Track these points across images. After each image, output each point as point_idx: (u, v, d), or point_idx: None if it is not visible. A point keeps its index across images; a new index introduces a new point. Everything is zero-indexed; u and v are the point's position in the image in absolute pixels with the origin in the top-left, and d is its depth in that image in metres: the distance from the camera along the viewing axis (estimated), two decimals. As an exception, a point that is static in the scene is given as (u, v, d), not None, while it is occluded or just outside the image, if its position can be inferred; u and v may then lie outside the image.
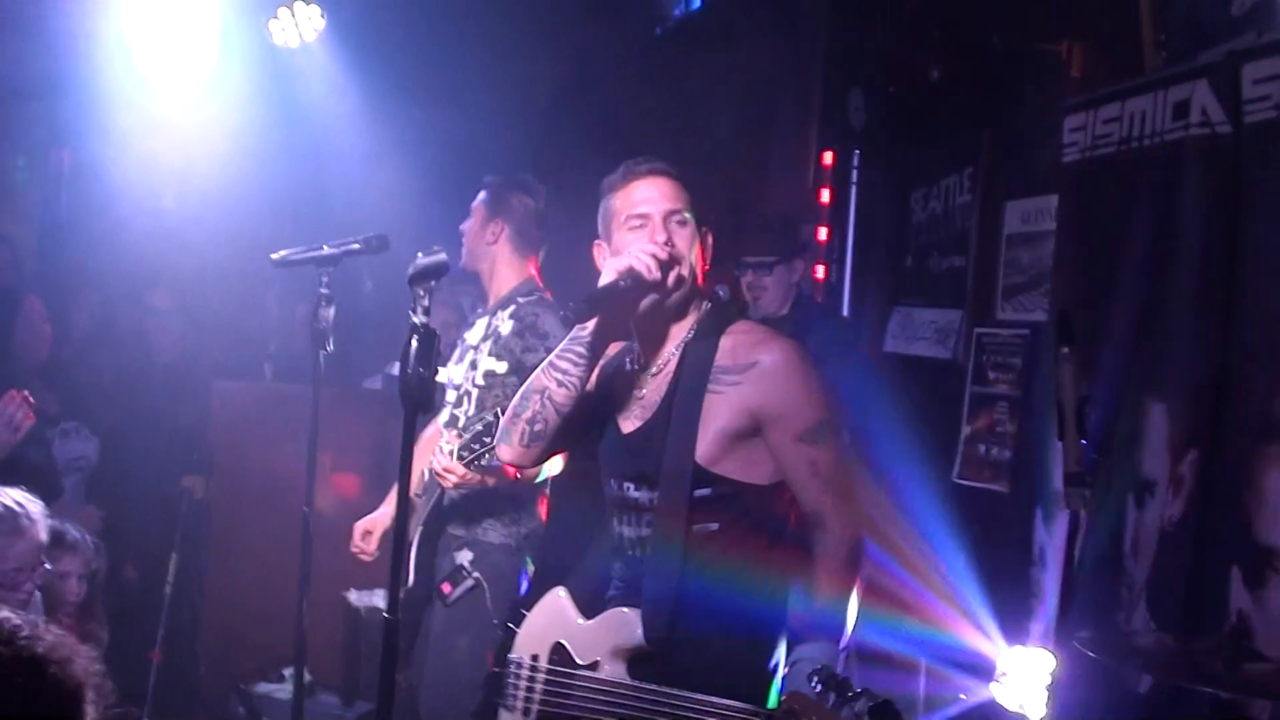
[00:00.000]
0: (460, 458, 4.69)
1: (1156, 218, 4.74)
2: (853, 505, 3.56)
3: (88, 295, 8.20)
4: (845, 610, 3.48)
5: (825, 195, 7.84)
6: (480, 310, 5.55)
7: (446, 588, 5.06)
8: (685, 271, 3.61)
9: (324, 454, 5.07)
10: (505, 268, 5.41)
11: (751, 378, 3.55)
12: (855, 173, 7.68)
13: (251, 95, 8.28)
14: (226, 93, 8.19)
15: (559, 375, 3.65)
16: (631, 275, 3.49)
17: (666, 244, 3.58)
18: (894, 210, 7.27)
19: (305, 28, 8.30)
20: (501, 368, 5.18)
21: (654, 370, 3.72)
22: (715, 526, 3.59)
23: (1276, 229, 4.21)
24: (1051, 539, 5.21)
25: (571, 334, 3.65)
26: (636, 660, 3.63)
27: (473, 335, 5.40)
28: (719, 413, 3.56)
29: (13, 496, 4.36)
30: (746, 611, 3.56)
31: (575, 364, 3.64)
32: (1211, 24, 4.77)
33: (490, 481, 4.89)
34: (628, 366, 3.80)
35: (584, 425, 3.84)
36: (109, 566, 5.90)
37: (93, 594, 5.30)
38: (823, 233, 7.75)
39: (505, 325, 5.23)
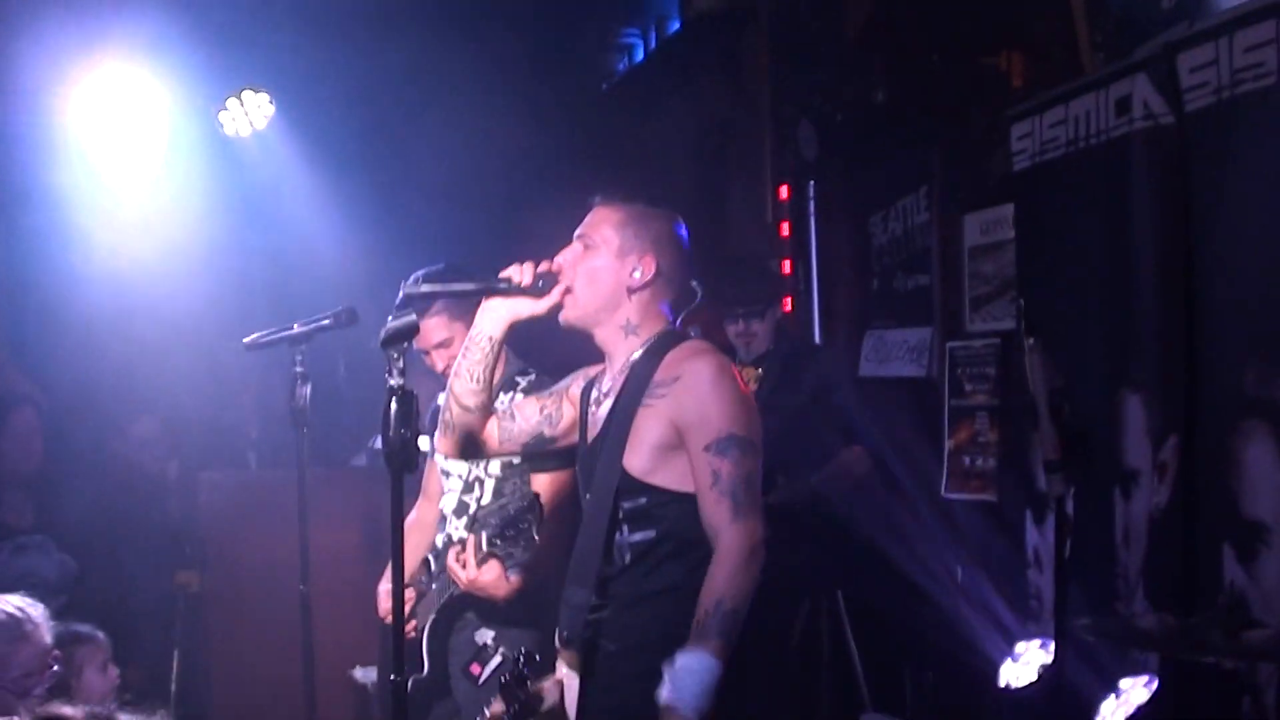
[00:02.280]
0: (493, 545, 4.60)
1: (1111, 213, 4.80)
2: (751, 523, 3.56)
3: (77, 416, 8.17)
4: (728, 620, 3.48)
5: (785, 229, 7.90)
6: None
7: (476, 669, 4.94)
8: (578, 295, 3.81)
9: (315, 534, 5.09)
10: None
11: (675, 390, 3.68)
12: (812, 203, 7.72)
13: (206, 187, 8.32)
14: (184, 189, 8.22)
15: (456, 369, 3.98)
16: (501, 277, 3.83)
17: (552, 261, 3.84)
18: (854, 236, 7.33)
19: (255, 115, 8.36)
20: (516, 458, 4.93)
21: (607, 388, 3.88)
22: (652, 534, 3.70)
23: (1226, 210, 4.26)
24: (1044, 540, 5.25)
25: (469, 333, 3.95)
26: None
27: None
28: (650, 426, 3.70)
29: (13, 603, 4.37)
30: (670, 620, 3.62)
31: (466, 355, 3.93)
32: (1144, 19, 4.85)
33: (502, 593, 4.74)
34: (592, 393, 3.99)
35: (536, 434, 4.09)
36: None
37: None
38: (786, 265, 7.79)
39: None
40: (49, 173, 7.99)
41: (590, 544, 3.75)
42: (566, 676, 3.80)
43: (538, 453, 4.36)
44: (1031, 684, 4.79)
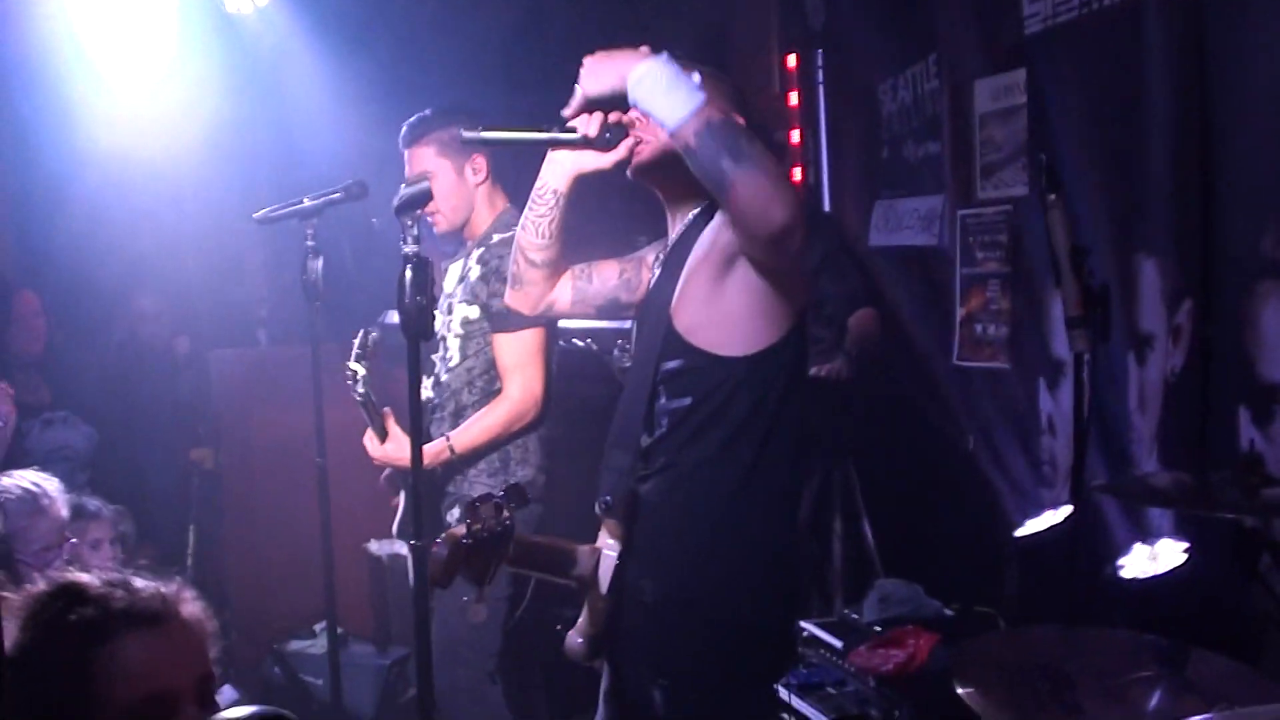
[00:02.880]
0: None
1: (1125, 75, 4.76)
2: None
3: (81, 295, 8.19)
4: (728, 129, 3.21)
5: (793, 98, 7.84)
6: (457, 253, 5.27)
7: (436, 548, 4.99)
8: (646, 148, 3.64)
9: (328, 409, 5.09)
10: (481, 207, 5.12)
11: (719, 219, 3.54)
12: (820, 72, 7.66)
13: (212, 68, 8.23)
14: (188, 68, 8.15)
15: (523, 221, 3.87)
16: (568, 128, 3.62)
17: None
18: (863, 105, 7.27)
19: (258, -8, 8.28)
20: (474, 313, 4.97)
21: (668, 245, 3.77)
22: (688, 401, 3.54)
23: (1242, 71, 4.23)
24: (1057, 406, 5.26)
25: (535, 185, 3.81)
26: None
27: (448, 282, 5.16)
28: (695, 278, 3.55)
29: (28, 478, 4.40)
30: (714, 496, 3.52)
31: (532, 208, 3.82)
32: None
33: (499, 433, 4.86)
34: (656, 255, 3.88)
35: (612, 299, 3.99)
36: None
37: (126, 558, 5.33)
38: (795, 135, 7.75)
39: (474, 269, 5.01)
40: (48, 52, 7.92)
41: (632, 407, 3.63)
42: (606, 546, 3.66)
43: (611, 316, 4.18)
44: (1047, 545, 4.82)
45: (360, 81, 8.51)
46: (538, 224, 3.82)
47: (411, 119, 4.29)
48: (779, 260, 3.33)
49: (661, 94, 3.22)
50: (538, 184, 3.81)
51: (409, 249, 3.29)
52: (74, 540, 4.48)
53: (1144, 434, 4.68)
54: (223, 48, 8.39)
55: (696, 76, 3.27)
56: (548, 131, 3.67)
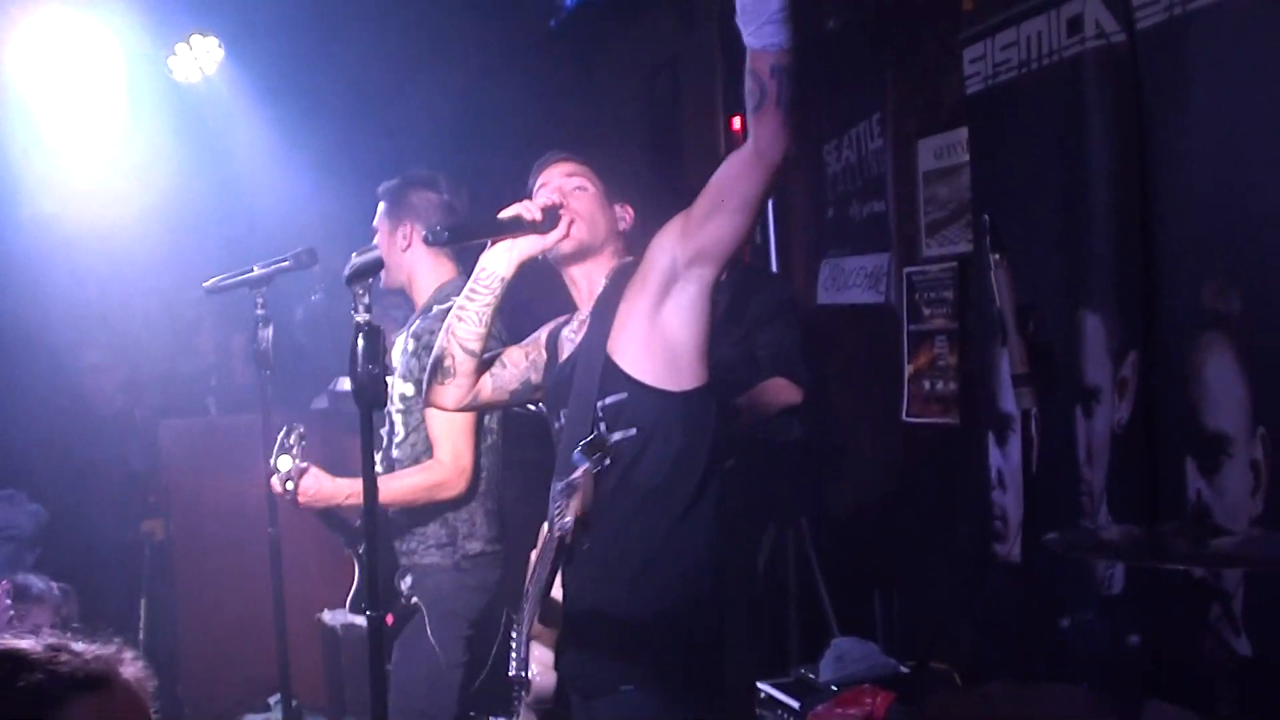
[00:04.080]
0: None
1: (1065, 133, 4.81)
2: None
3: (25, 362, 8.14)
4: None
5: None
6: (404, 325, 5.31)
7: (390, 619, 4.98)
8: (582, 224, 3.88)
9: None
10: (425, 274, 5.19)
11: (649, 254, 3.73)
12: (766, 134, 7.69)
13: (161, 136, 8.26)
14: (136, 138, 8.16)
15: (459, 312, 3.94)
16: (514, 217, 3.81)
17: (556, 196, 3.89)
18: (808, 165, 7.32)
19: (205, 60, 8.30)
20: (409, 390, 5.01)
21: (583, 315, 3.93)
22: (633, 432, 3.66)
23: (1178, 126, 4.30)
24: (1007, 461, 5.29)
25: (473, 274, 3.93)
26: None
27: (395, 354, 5.17)
28: (633, 314, 3.71)
29: None
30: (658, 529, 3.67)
31: (473, 298, 3.91)
32: (1094, -62, 4.85)
33: (419, 494, 4.92)
34: (564, 331, 4.05)
35: (524, 380, 4.15)
36: (81, 617, 5.87)
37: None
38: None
39: (409, 344, 5.05)
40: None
41: (574, 442, 3.65)
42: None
43: (524, 400, 4.32)
44: (1000, 601, 4.84)
45: (309, 148, 8.55)
46: (480, 313, 3.92)
47: (433, 236, 4.34)
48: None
49: None
50: (481, 273, 3.92)
51: (360, 318, 3.30)
52: (9, 601, 4.44)
53: (1093, 486, 4.70)
54: (171, 116, 8.42)
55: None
56: (497, 223, 3.85)
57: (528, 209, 3.81)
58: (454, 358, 3.98)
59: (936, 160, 5.99)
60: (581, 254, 3.91)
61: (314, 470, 4.81)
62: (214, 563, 7.09)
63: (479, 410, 4.50)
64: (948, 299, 5.93)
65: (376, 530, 3.39)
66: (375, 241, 5.18)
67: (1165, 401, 4.36)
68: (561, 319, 4.13)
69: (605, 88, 10.00)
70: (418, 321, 5.07)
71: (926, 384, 6.08)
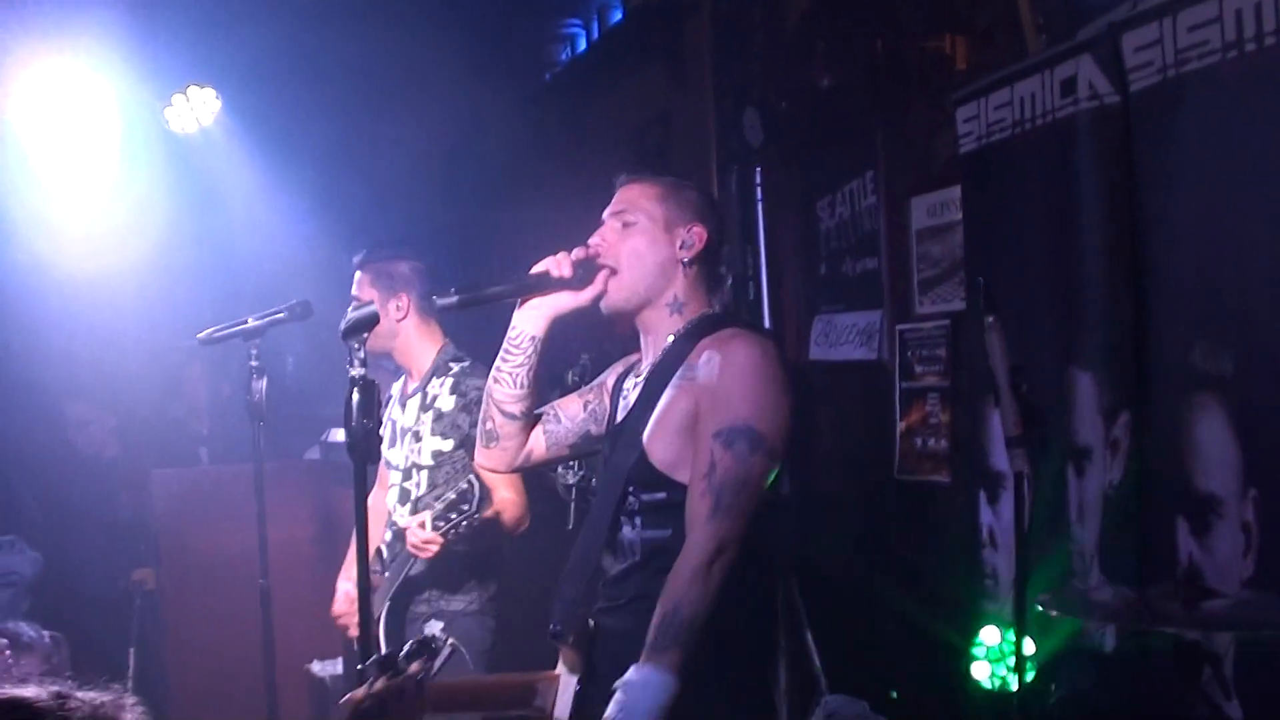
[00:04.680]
0: (436, 528, 4.71)
1: (1058, 193, 4.84)
2: (726, 525, 3.34)
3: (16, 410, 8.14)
4: (684, 630, 3.26)
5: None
6: (406, 388, 5.39)
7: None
8: (622, 277, 3.62)
9: (270, 528, 5.09)
10: (419, 339, 5.28)
11: (705, 368, 3.47)
12: (759, 190, 7.73)
13: (156, 185, 8.28)
14: (131, 186, 8.18)
15: (495, 374, 3.75)
16: (541, 274, 3.61)
17: (588, 246, 3.65)
18: (802, 221, 7.35)
19: (201, 111, 8.33)
20: (448, 446, 5.08)
21: (643, 372, 3.70)
22: (668, 533, 3.50)
23: (1171, 188, 4.32)
24: (998, 519, 5.29)
25: (507, 335, 3.72)
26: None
27: (407, 416, 5.24)
28: (676, 407, 3.49)
29: None
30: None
31: (506, 359, 3.72)
32: (1087, 1, 4.89)
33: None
34: (627, 381, 3.83)
35: (583, 433, 3.91)
36: (70, 665, 5.85)
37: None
38: (734, 252, 7.83)
39: (446, 401, 5.12)
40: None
41: (594, 538, 3.59)
42: (563, 674, 3.66)
43: (585, 454, 4.15)
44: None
45: (302, 199, 8.59)
46: (514, 374, 3.72)
47: (441, 302, 4.34)
48: None
49: None
50: (512, 333, 3.71)
51: (355, 371, 3.32)
52: (9, 652, 4.42)
53: (1084, 546, 4.71)
54: (166, 165, 8.45)
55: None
56: (518, 282, 3.67)
57: (558, 264, 3.59)
58: (494, 421, 3.81)
59: (929, 218, 6.01)
60: (632, 304, 3.68)
61: None
62: (204, 612, 7.07)
63: (535, 468, 4.18)
64: (940, 356, 5.95)
65: (369, 585, 3.39)
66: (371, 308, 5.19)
67: (1157, 462, 4.37)
68: (632, 358, 3.91)
69: (594, 143, 10.04)
70: (445, 379, 5.18)
71: (918, 441, 6.09)
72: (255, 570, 5.12)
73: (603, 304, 3.66)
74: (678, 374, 3.54)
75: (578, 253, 3.63)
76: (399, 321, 5.24)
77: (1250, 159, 3.98)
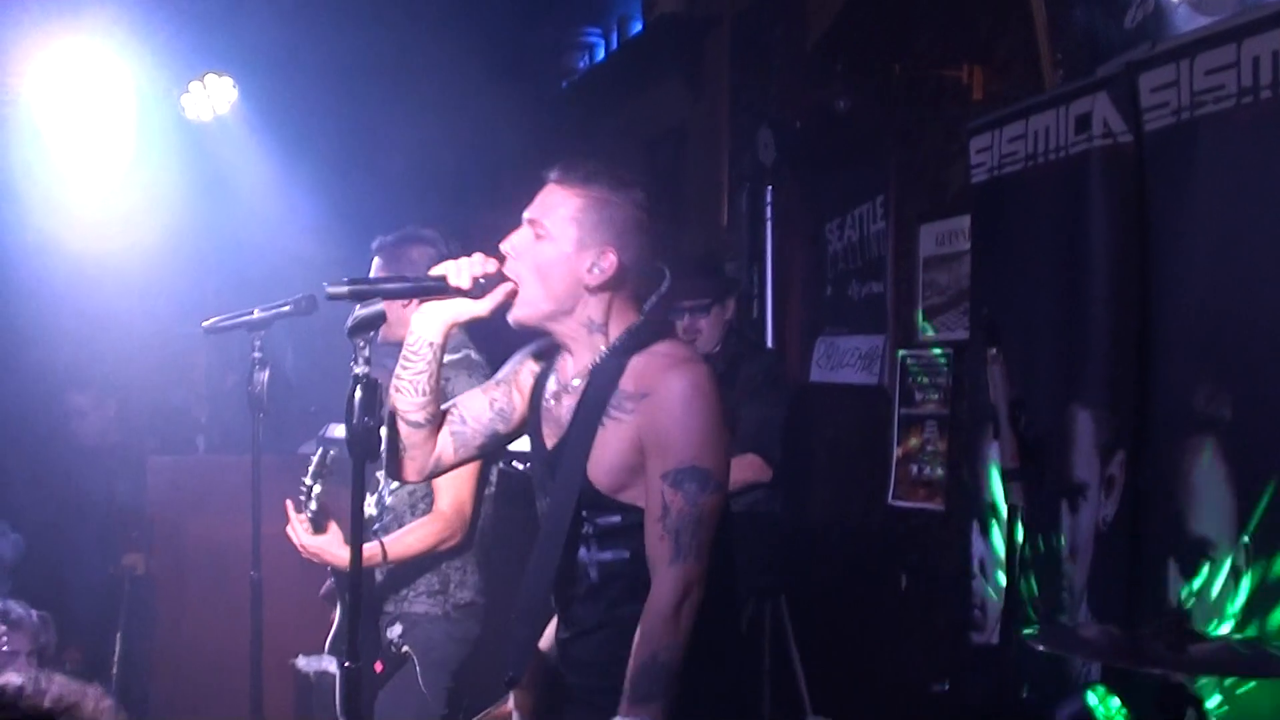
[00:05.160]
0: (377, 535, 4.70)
1: (1067, 228, 4.85)
2: (688, 566, 3.25)
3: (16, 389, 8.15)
4: (665, 675, 3.19)
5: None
6: None
7: (379, 666, 4.88)
8: (525, 294, 3.45)
9: (266, 522, 5.09)
10: None
11: (643, 407, 3.35)
12: (769, 209, 7.74)
13: (170, 172, 8.29)
14: (145, 172, 8.19)
15: (396, 383, 3.57)
16: (439, 278, 3.46)
17: (499, 255, 3.47)
18: (810, 242, 7.37)
19: (218, 100, 8.34)
20: None
21: (569, 385, 3.54)
22: (626, 555, 3.42)
23: (1181, 231, 4.33)
24: (990, 550, 5.30)
25: (405, 341, 3.56)
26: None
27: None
28: (615, 444, 3.38)
29: None
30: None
31: (405, 367, 3.54)
32: (1106, 39, 4.90)
33: (426, 549, 4.79)
34: (549, 383, 3.66)
35: (490, 434, 3.73)
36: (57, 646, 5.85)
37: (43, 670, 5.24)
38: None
39: None
40: (5, 152, 7.94)
41: (543, 574, 3.46)
42: (515, 717, 3.58)
43: (495, 451, 4.01)
44: (976, 691, 4.84)
45: (313, 191, 8.59)
46: (415, 382, 3.54)
47: (331, 289, 4.21)
48: None
49: None
50: (409, 339, 3.55)
51: (359, 370, 3.29)
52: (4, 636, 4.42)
53: (1076, 582, 4.71)
54: (180, 152, 8.45)
55: None
56: (416, 282, 3.57)
57: (458, 271, 3.42)
58: (400, 433, 3.60)
59: (937, 246, 6.03)
60: (535, 319, 3.49)
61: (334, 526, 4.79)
62: (193, 601, 7.05)
63: (444, 473, 3.94)
64: (941, 384, 5.96)
65: (361, 581, 3.39)
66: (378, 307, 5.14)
67: (1151, 503, 4.38)
68: (542, 349, 3.73)
69: (608, 152, 10.06)
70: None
71: (914, 468, 6.10)
72: (247, 562, 5.10)
73: (509, 316, 3.50)
74: (611, 402, 3.41)
75: (480, 265, 3.44)
76: (405, 308, 5.06)
77: (1261, 206, 3.98)
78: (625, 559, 3.42)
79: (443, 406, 3.68)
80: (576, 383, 3.52)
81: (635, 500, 3.39)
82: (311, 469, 4.77)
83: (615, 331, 3.49)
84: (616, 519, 3.42)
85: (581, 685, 3.49)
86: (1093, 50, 4.98)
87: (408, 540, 4.82)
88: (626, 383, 3.40)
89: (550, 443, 3.58)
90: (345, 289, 3.37)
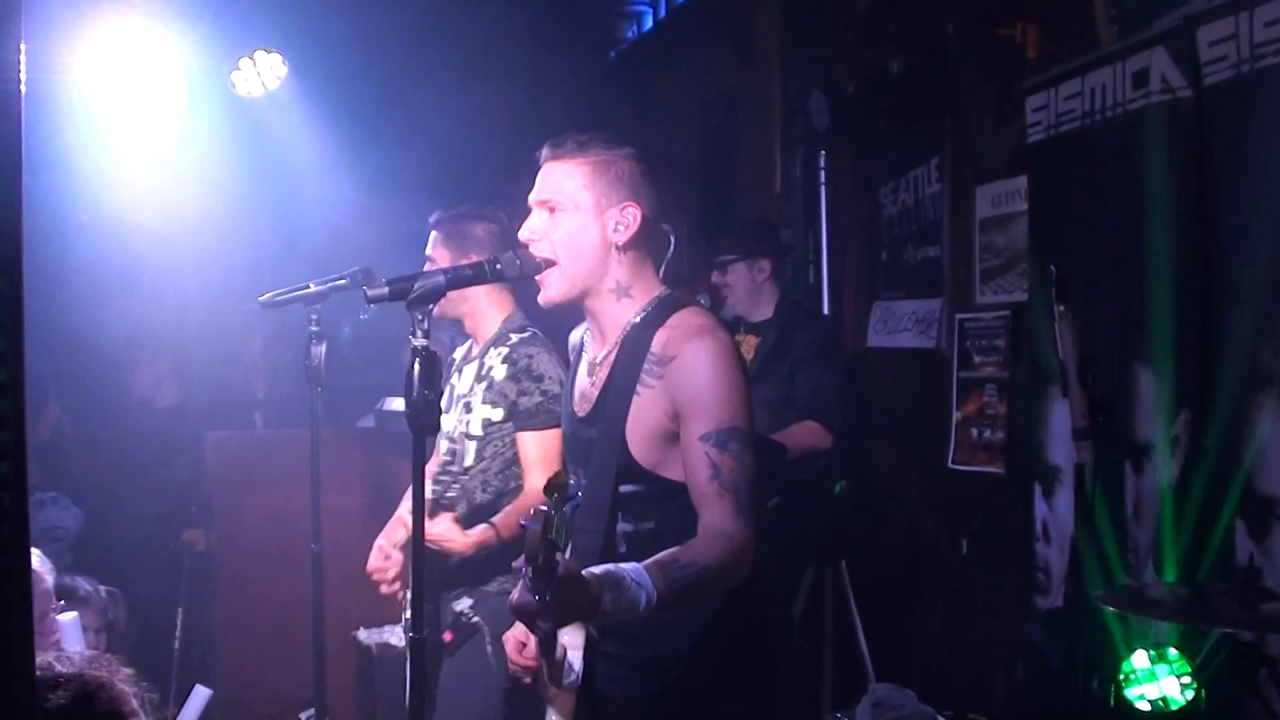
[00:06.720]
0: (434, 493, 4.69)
1: (1126, 185, 4.80)
2: (750, 522, 3.25)
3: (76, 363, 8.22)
4: (692, 579, 3.08)
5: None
6: (469, 354, 5.23)
7: (448, 636, 4.88)
8: (555, 263, 3.49)
9: (325, 495, 5.10)
10: (488, 304, 5.09)
11: (672, 371, 3.36)
12: (822, 173, 7.70)
13: (220, 148, 8.30)
14: (195, 149, 8.20)
15: None
16: (478, 266, 3.50)
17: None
18: (864, 207, 7.33)
19: (268, 76, 8.33)
20: (498, 415, 4.92)
21: (600, 356, 3.59)
22: (651, 525, 3.44)
23: (1243, 185, 4.27)
24: (1052, 513, 5.26)
25: None
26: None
27: (463, 383, 5.11)
28: (648, 411, 3.40)
29: None
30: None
31: None
32: (1161, -7, 4.85)
33: (457, 546, 4.69)
34: (581, 362, 3.72)
35: None
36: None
37: (111, 646, 5.27)
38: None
39: (499, 370, 4.96)
40: (58, 130, 7.96)
41: (588, 537, 3.46)
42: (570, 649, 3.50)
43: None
44: (1043, 655, 4.80)
45: (363, 165, 8.60)
46: None
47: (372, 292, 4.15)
48: None
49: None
50: None
51: (418, 342, 3.28)
52: (61, 602, 4.43)
53: (1140, 543, 4.68)
54: (231, 128, 8.45)
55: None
56: (455, 274, 3.51)
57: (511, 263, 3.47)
58: None
59: (993, 208, 5.98)
60: (571, 295, 3.53)
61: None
62: (253, 576, 7.10)
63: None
64: (999, 347, 5.92)
65: (424, 556, 3.38)
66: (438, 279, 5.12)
67: (1216, 462, 4.33)
68: (582, 330, 3.79)
69: (659, 120, 10.03)
70: (501, 348, 5.00)
71: (974, 432, 6.06)
72: (306, 536, 5.11)
73: (540, 298, 3.55)
74: (644, 368, 3.43)
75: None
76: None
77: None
78: (651, 530, 3.44)
79: None
80: (607, 353, 3.56)
81: (667, 473, 3.41)
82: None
83: (640, 297, 3.54)
84: (643, 488, 3.44)
85: (615, 655, 3.50)
86: (1148, 5, 4.92)
87: (513, 519, 4.80)
88: (655, 348, 3.42)
89: (580, 411, 3.63)
90: (385, 290, 3.38)
